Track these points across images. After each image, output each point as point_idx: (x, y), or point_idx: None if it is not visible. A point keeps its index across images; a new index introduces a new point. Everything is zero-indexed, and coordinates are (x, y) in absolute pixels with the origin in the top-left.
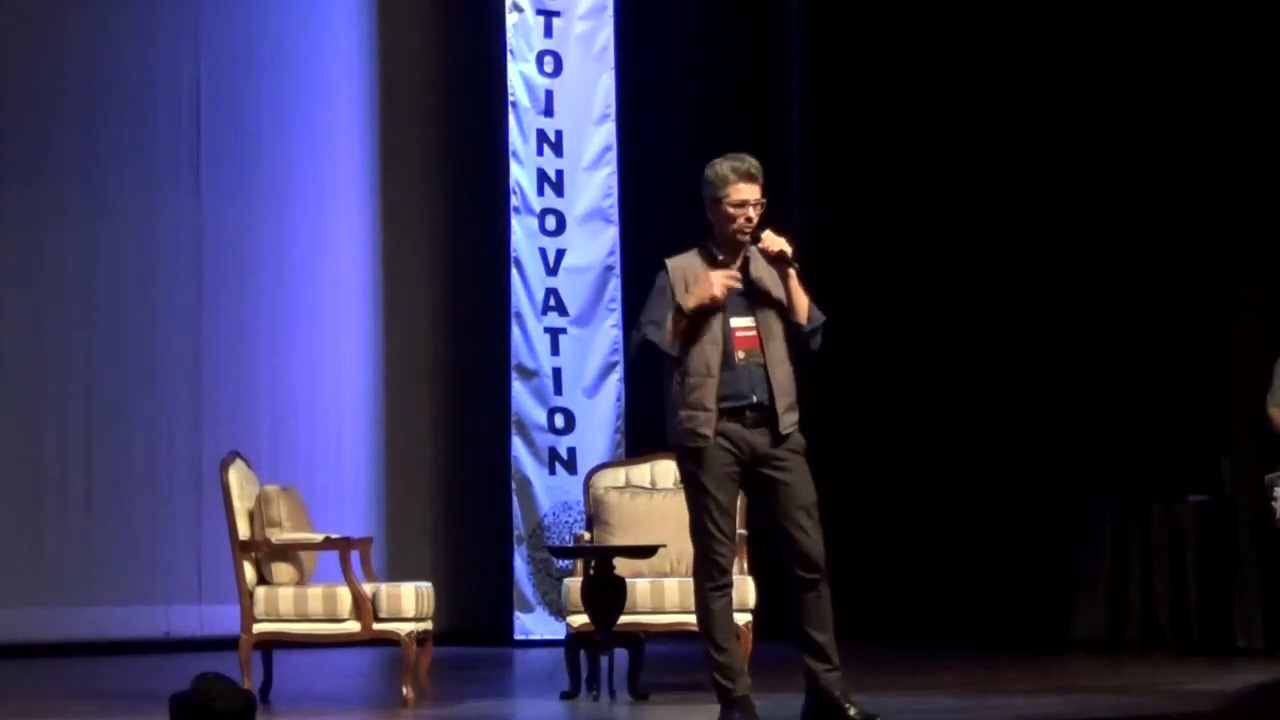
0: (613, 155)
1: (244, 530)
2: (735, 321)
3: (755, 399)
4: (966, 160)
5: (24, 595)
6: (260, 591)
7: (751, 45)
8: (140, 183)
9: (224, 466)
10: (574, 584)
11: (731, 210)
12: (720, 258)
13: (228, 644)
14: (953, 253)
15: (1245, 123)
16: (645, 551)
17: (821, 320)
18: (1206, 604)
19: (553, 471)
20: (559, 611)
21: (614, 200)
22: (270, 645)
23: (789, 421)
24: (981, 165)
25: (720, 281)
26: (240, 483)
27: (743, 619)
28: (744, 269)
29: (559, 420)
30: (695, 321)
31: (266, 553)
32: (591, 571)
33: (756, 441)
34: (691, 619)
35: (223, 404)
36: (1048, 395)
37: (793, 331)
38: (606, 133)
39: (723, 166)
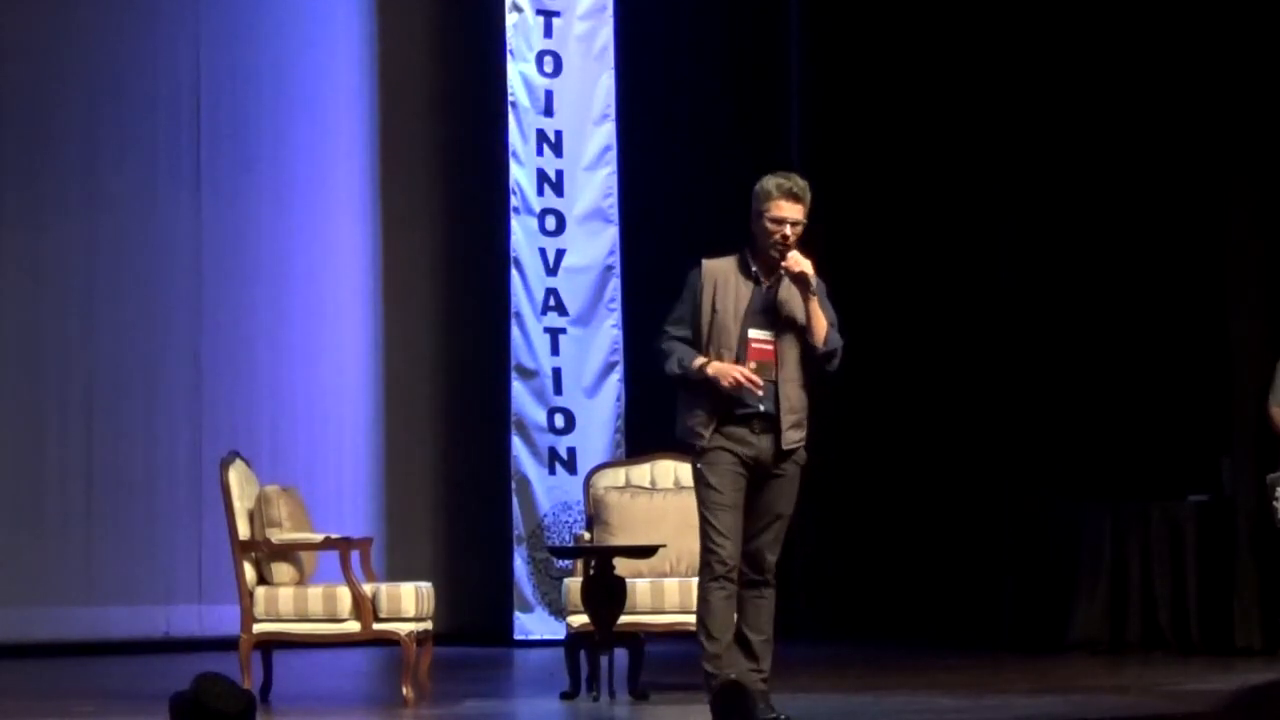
0: (613, 155)
1: (244, 530)
2: (753, 333)
3: (762, 409)
4: (966, 161)
5: (24, 595)
6: (260, 591)
7: (751, 45)
8: (140, 183)
9: (224, 466)
10: (574, 584)
11: (770, 225)
12: (754, 269)
13: (228, 644)
14: (953, 252)
15: (1245, 123)
16: (645, 551)
17: (838, 345)
18: (1206, 604)
19: (553, 471)
20: (559, 611)
21: (614, 200)
22: (270, 645)
23: (792, 438)
24: (981, 165)
25: (734, 377)
26: (240, 483)
27: None
28: (775, 287)
29: (559, 420)
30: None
31: (266, 553)
32: (591, 571)
33: (761, 448)
34: (692, 619)
35: (223, 404)
36: (1047, 395)
37: (809, 353)
38: (606, 133)
39: (769, 182)
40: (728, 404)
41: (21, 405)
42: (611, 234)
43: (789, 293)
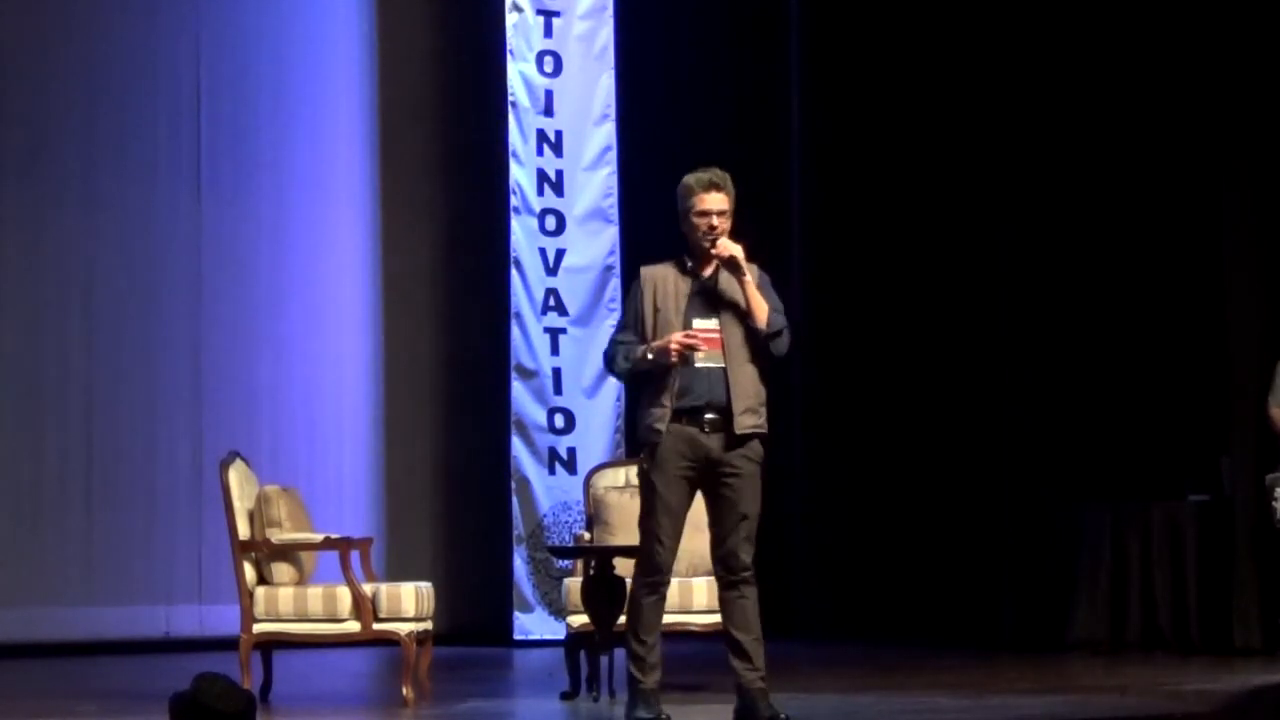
0: (613, 155)
1: (244, 530)
2: (697, 323)
3: (711, 398)
4: (966, 160)
5: (24, 595)
6: (260, 591)
7: (751, 45)
8: (140, 182)
9: (224, 466)
10: (574, 584)
11: (696, 219)
12: (690, 265)
13: (228, 644)
14: (953, 252)
15: (1244, 124)
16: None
17: (781, 325)
18: (1206, 604)
19: (552, 471)
20: (559, 611)
21: (614, 200)
22: (270, 645)
23: (745, 423)
24: (981, 165)
25: (675, 346)
26: (240, 483)
27: None
28: (714, 278)
29: (559, 420)
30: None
31: (266, 553)
32: (591, 571)
33: (712, 446)
34: (691, 619)
35: (223, 404)
36: (1048, 395)
37: (753, 336)
38: (606, 133)
39: (689, 178)
40: (680, 399)
41: (21, 405)
42: (611, 234)
43: (728, 282)
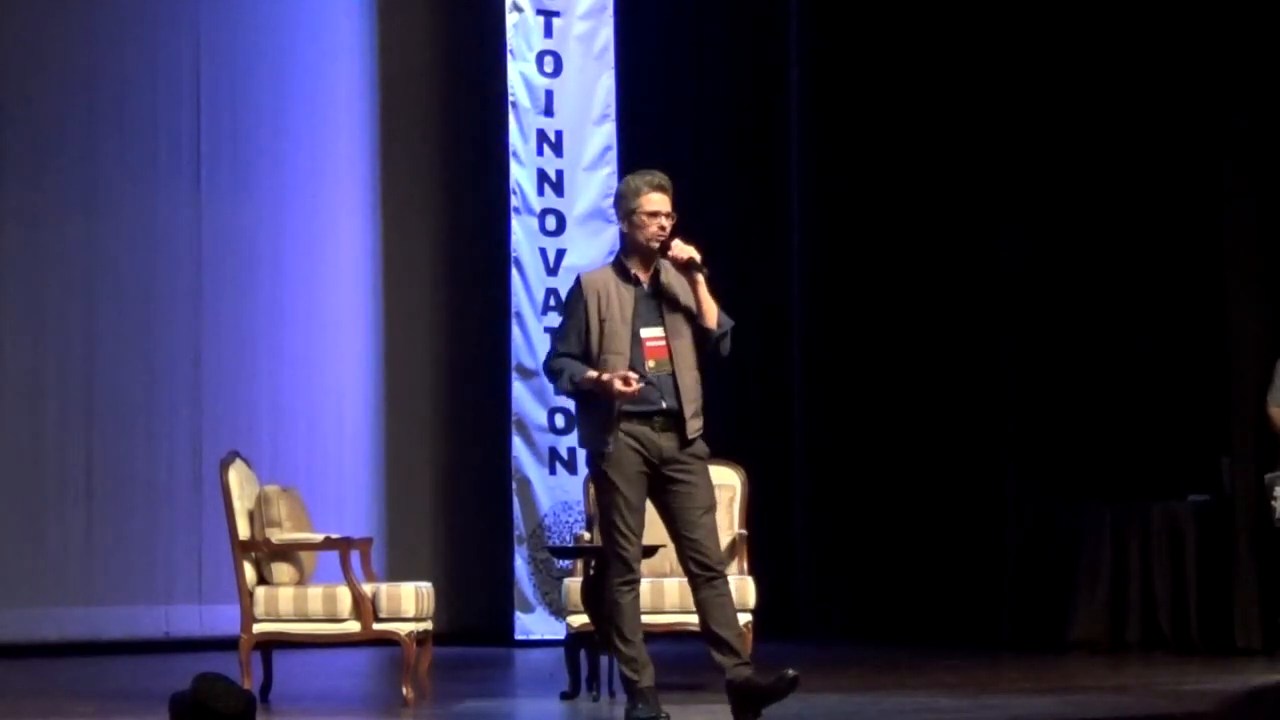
0: (613, 155)
1: (244, 530)
2: (645, 332)
3: (665, 405)
4: (966, 160)
5: (24, 595)
6: (260, 591)
7: (751, 45)
8: (140, 183)
9: (224, 466)
10: (574, 584)
11: (645, 219)
12: (632, 270)
13: (228, 644)
14: (952, 251)
15: (1244, 122)
16: (645, 552)
17: (730, 325)
18: (1206, 604)
19: (553, 471)
20: (559, 611)
21: (614, 200)
22: (270, 645)
23: (695, 427)
24: (981, 164)
25: (620, 390)
26: (240, 483)
27: (743, 619)
28: (654, 279)
29: (559, 420)
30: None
31: (266, 553)
32: (591, 571)
33: (664, 445)
34: (691, 619)
35: (223, 404)
36: (1048, 394)
37: (701, 337)
38: (606, 133)
39: (634, 180)
40: (632, 404)
41: (21, 405)
42: (611, 234)
43: (670, 280)
